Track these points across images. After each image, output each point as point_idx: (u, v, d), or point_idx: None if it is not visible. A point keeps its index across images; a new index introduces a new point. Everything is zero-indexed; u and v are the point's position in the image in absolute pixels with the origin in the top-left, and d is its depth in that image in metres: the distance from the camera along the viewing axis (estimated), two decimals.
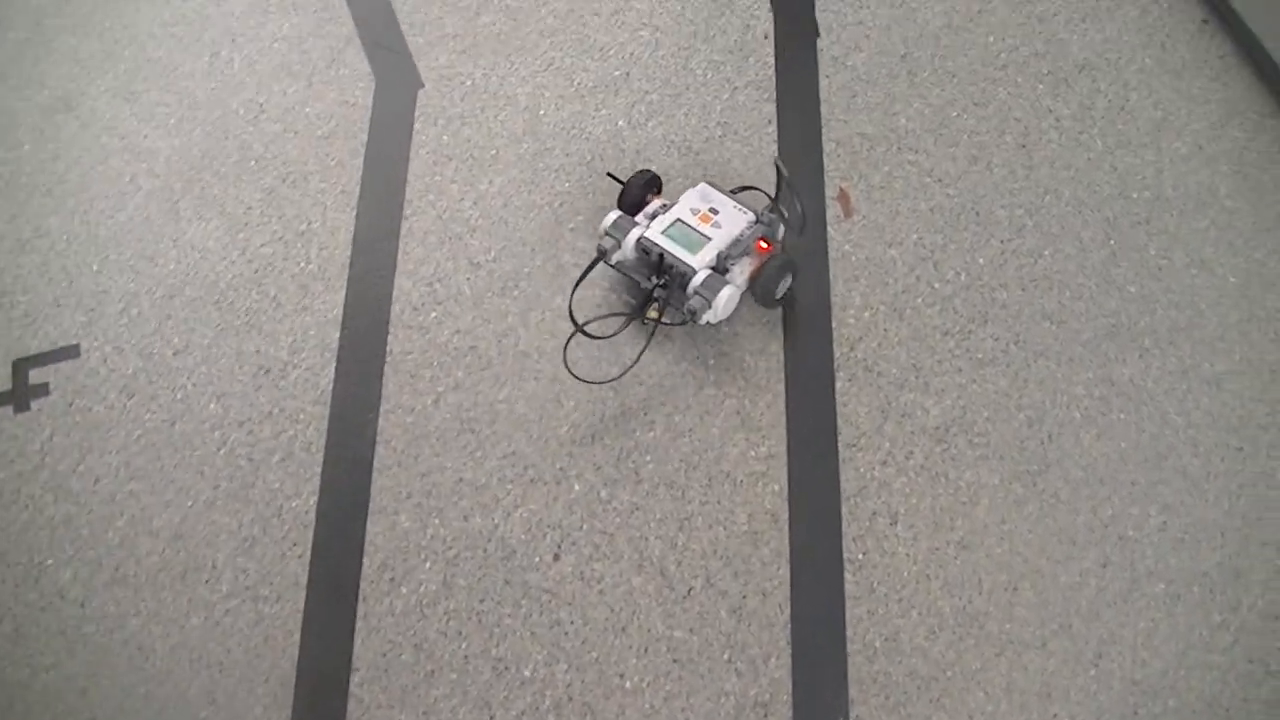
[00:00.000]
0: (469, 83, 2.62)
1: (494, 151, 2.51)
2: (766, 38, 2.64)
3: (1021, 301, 2.34)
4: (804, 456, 2.19)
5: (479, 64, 2.66)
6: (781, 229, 2.32)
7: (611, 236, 2.28)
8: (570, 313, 2.30)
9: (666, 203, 2.34)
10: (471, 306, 2.33)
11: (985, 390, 2.32)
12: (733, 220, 2.31)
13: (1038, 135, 2.48)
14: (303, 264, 2.37)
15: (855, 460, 2.20)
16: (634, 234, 2.26)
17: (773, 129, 2.52)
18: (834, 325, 2.30)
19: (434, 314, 2.32)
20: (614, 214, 2.28)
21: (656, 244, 2.25)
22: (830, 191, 2.45)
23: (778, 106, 2.55)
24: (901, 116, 2.51)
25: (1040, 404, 2.30)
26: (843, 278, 2.34)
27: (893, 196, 2.41)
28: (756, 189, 2.40)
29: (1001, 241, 2.38)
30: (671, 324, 2.33)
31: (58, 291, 2.39)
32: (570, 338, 2.31)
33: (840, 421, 2.22)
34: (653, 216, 2.31)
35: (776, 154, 2.41)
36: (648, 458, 2.18)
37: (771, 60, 2.61)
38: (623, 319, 2.31)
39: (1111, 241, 2.39)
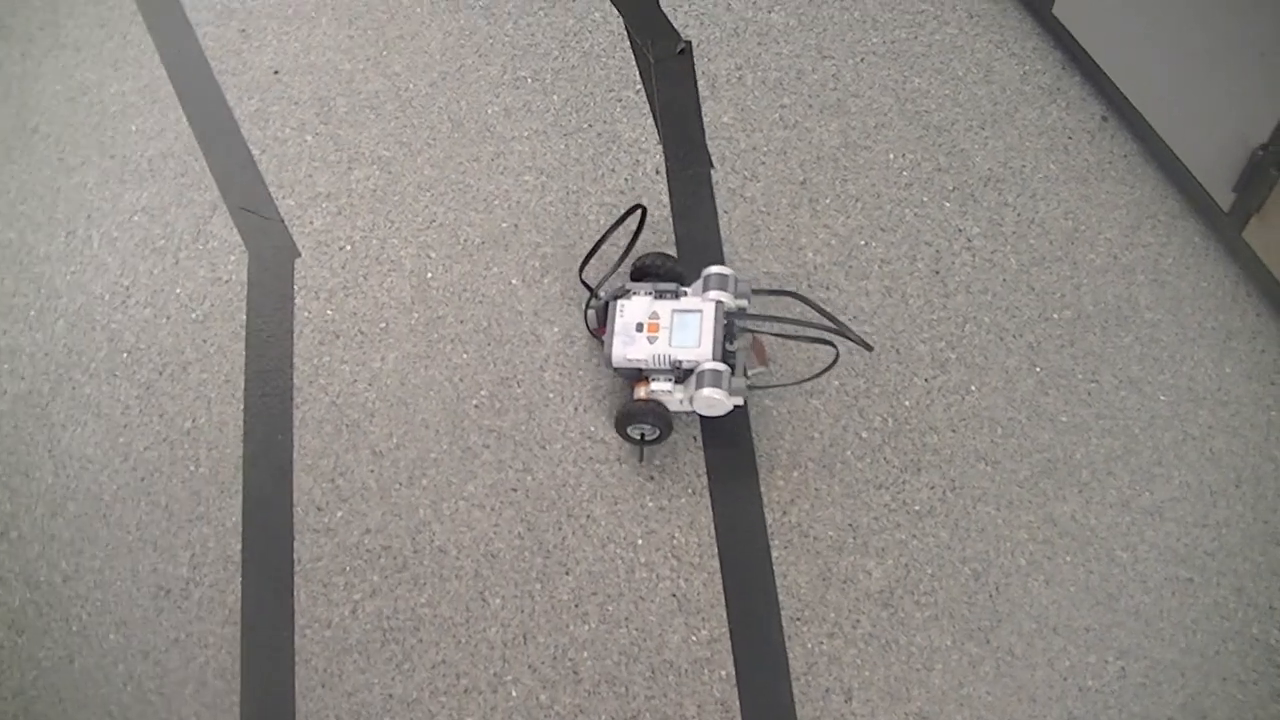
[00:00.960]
0: (348, 247, 2.60)
1: (383, 324, 2.49)
2: (658, 173, 2.66)
3: (953, 444, 2.38)
4: (748, 637, 2.22)
5: (357, 225, 2.64)
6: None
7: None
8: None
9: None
10: (379, 501, 2.32)
11: (926, 544, 2.35)
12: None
13: (950, 259, 2.52)
14: (192, 467, 2.34)
15: (801, 635, 2.21)
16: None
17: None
18: (763, 489, 2.33)
19: (340, 513, 2.31)
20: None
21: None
22: (741, 341, 2.42)
23: (677, 250, 2.55)
24: (808, 250, 2.54)
25: (984, 554, 2.34)
26: (765, 435, 2.36)
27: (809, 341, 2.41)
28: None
29: (925, 380, 2.42)
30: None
31: None
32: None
33: (781, 594, 2.24)
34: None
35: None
36: (585, 653, 2.18)
37: (666, 199, 2.64)
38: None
39: (1038, 369, 2.43)
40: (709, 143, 2.71)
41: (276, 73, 2.82)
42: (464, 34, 2.90)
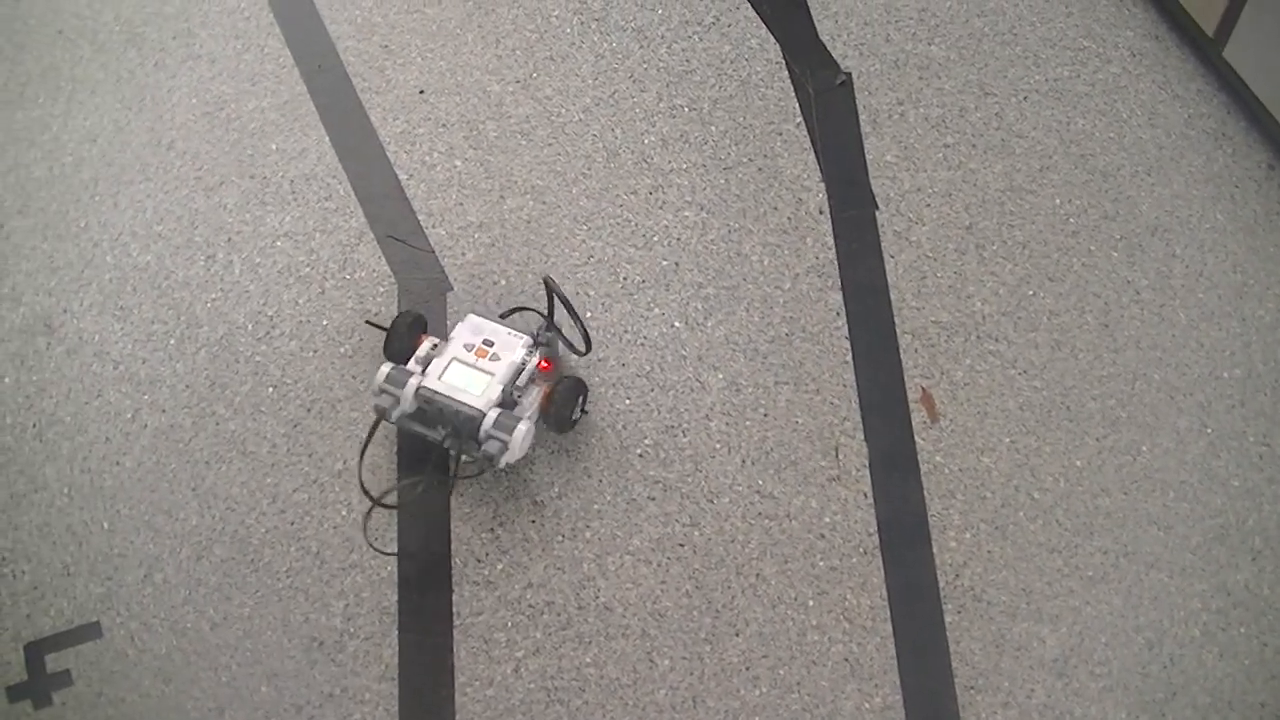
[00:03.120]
0: (503, 282, 2.58)
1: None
2: (821, 213, 2.64)
3: (1125, 507, 2.35)
4: (921, 705, 2.24)
5: (511, 259, 2.62)
6: (560, 345, 2.38)
7: (387, 393, 2.26)
8: (361, 484, 2.32)
9: (437, 342, 2.35)
10: (541, 554, 2.31)
11: (1100, 612, 2.33)
12: (509, 347, 2.32)
13: (1119, 312, 2.49)
14: (344, 511, 2.32)
15: (975, 704, 2.22)
16: (411, 384, 2.25)
17: (842, 323, 2.54)
18: (935, 550, 2.31)
19: (500, 565, 2.29)
20: (386, 367, 2.26)
21: (438, 393, 2.25)
22: (912, 393, 2.40)
23: (844, 295, 2.55)
24: (976, 299, 2.51)
25: (1158, 623, 2.32)
26: (938, 494, 2.34)
27: (978, 395, 2.40)
28: (528, 309, 2.50)
29: (1097, 439, 2.39)
30: (467, 476, 2.40)
31: (66, 557, 2.31)
32: (368, 512, 2.32)
33: (954, 660, 2.22)
34: (426, 362, 2.31)
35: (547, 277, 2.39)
36: (756, 719, 2.11)
37: (830, 240, 2.61)
38: (417, 482, 2.39)
39: (1208, 430, 2.41)
40: (872, 182, 2.66)
41: (422, 92, 2.79)
42: (617, 57, 2.86)
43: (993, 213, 2.64)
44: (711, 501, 2.34)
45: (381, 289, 2.57)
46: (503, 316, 2.44)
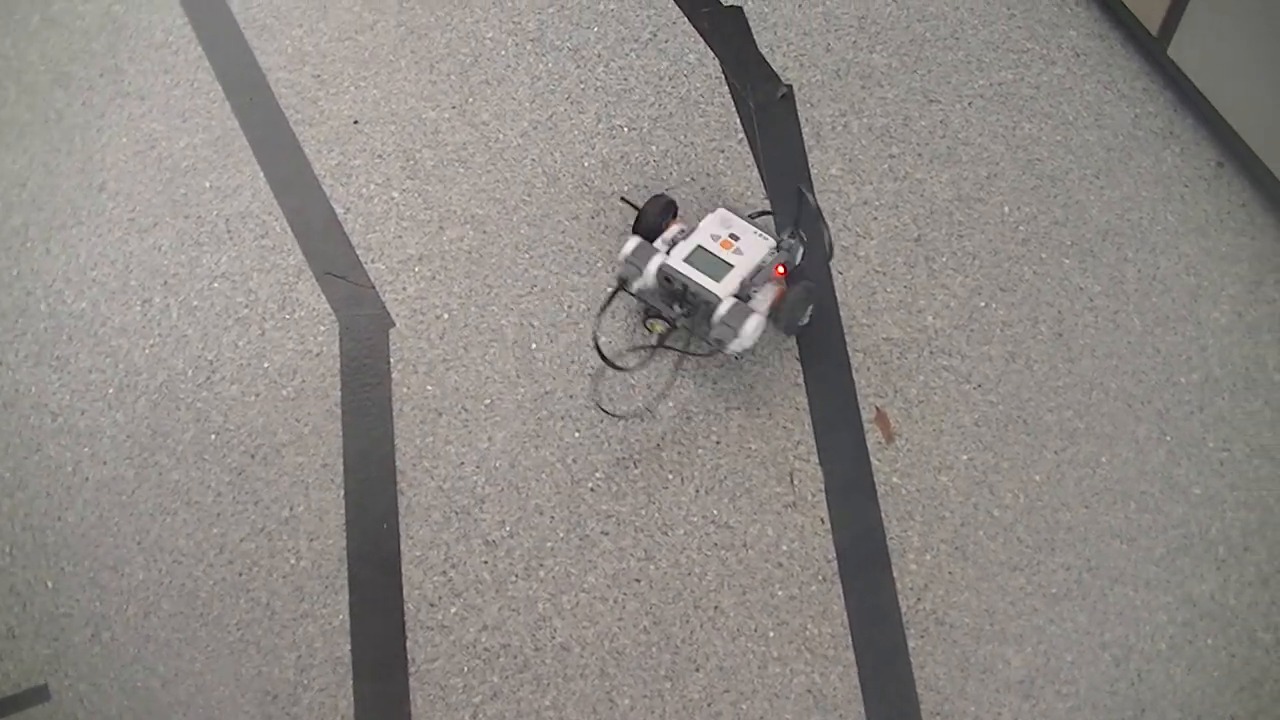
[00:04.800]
0: (446, 316, 2.53)
1: (488, 400, 2.43)
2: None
3: (1087, 521, 2.35)
4: None
5: (453, 291, 2.57)
6: (801, 253, 2.48)
7: (632, 264, 2.39)
8: (596, 346, 2.43)
9: (685, 228, 2.46)
10: (495, 595, 2.27)
11: (1065, 630, 2.33)
12: (754, 246, 2.43)
13: (1073, 320, 2.47)
14: (293, 560, 2.27)
15: None
16: (655, 261, 2.38)
17: (792, 343, 2.53)
18: (895, 574, 2.30)
19: (454, 609, 2.26)
20: (633, 241, 2.39)
21: (679, 272, 2.36)
22: (866, 414, 2.36)
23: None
24: (927, 313, 2.48)
25: (1124, 638, 2.31)
26: (896, 516, 2.32)
27: (933, 412, 2.38)
28: (773, 214, 2.50)
29: (1055, 452, 2.38)
30: (698, 354, 2.52)
31: (10, 620, 2.27)
32: (601, 373, 2.39)
33: (919, 686, 2.23)
34: (672, 243, 2.43)
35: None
36: None
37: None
38: (647, 350, 2.51)
39: (1168, 438, 2.39)
40: (818, 196, 2.61)
41: (356, 122, 2.74)
42: (553, 78, 2.82)
43: (941, 223, 2.60)
44: (666, 534, 2.30)
45: (322, 328, 2.53)
46: (751, 218, 2.52)
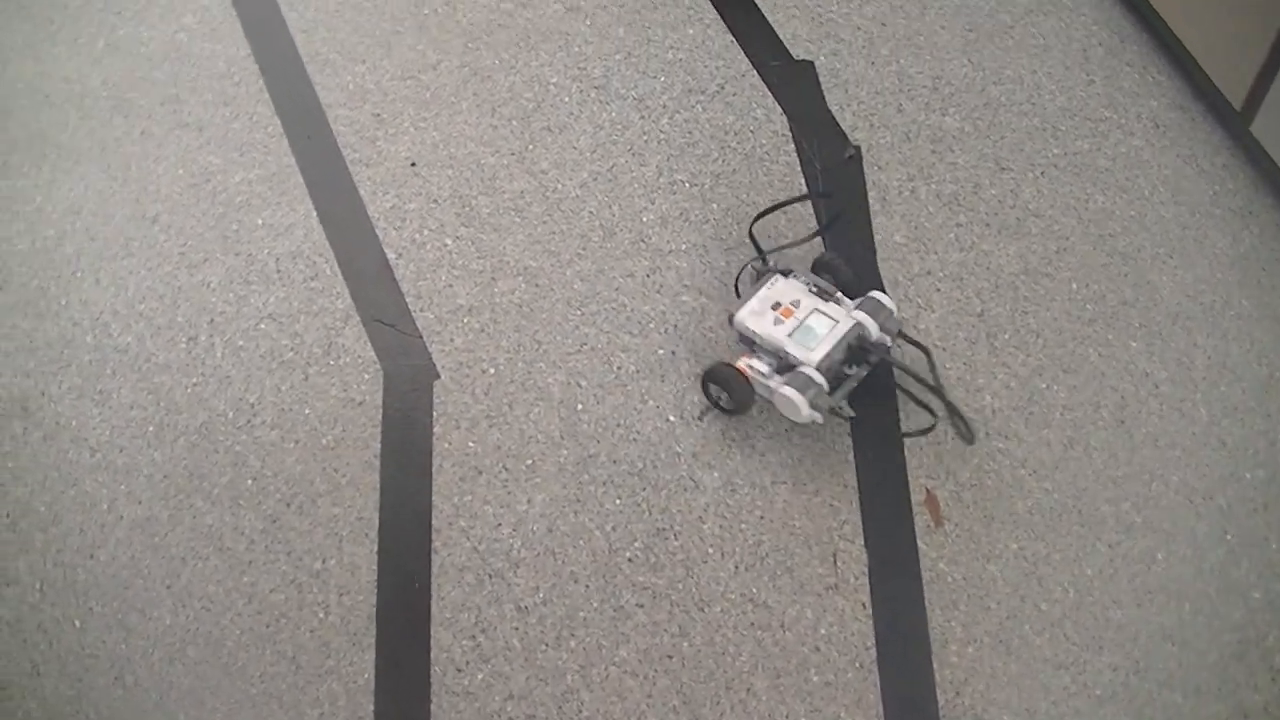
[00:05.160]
0: (492, 371, 2.50)
1: (529, 461, 2.38)
2: None
3: (1138, 620, 2.31)
4: None
5: (501, 346, 2.53)
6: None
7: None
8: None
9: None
10: (524, 664, 2.24)
11: None
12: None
13: (1136, 406, 2.40)
14: (321, 614, 2.25)
15: None
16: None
17: (846, 418, 2.38)
18: (935, 665, 2.26)
19: (480, 675, 2.24)
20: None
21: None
22: (916, 495, 2.31)
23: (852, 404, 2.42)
24: (986, 393, 2.42)
25: None
26: (940, 604, 2.27)
27: (985, 497, 2.31)
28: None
29: (1109, 545, 2.34)
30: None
31: (35, 656, 2.26)
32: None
33: None
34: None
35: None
36: None
37: None
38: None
39: (1229, 536, 2.33)
40: (880, 264, 2.59)
41: (414, 165, 2.70)
42: (616, 128, 2.77)
43: (1006, 298, 2.54)
44: (702, 610, 2.26)
45: (366, 376, 2.50)
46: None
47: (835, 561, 2.31)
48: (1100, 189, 2.72)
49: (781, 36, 2.90)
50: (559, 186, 2.73)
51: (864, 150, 2.78)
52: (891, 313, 2.45)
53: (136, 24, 3.04)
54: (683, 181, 2.73)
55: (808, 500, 2.37)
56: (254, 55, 2.92)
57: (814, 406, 2.36)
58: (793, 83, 2.86)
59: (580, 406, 2.48)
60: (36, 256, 2.67)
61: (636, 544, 2.34)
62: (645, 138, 2.80)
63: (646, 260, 2.65)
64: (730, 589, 2.29)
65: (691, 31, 2.92)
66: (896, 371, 2.51)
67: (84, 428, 2.49)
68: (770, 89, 2.85)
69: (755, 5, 2.94)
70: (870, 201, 2.71)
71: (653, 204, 2.70)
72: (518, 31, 2.92)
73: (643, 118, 2.82)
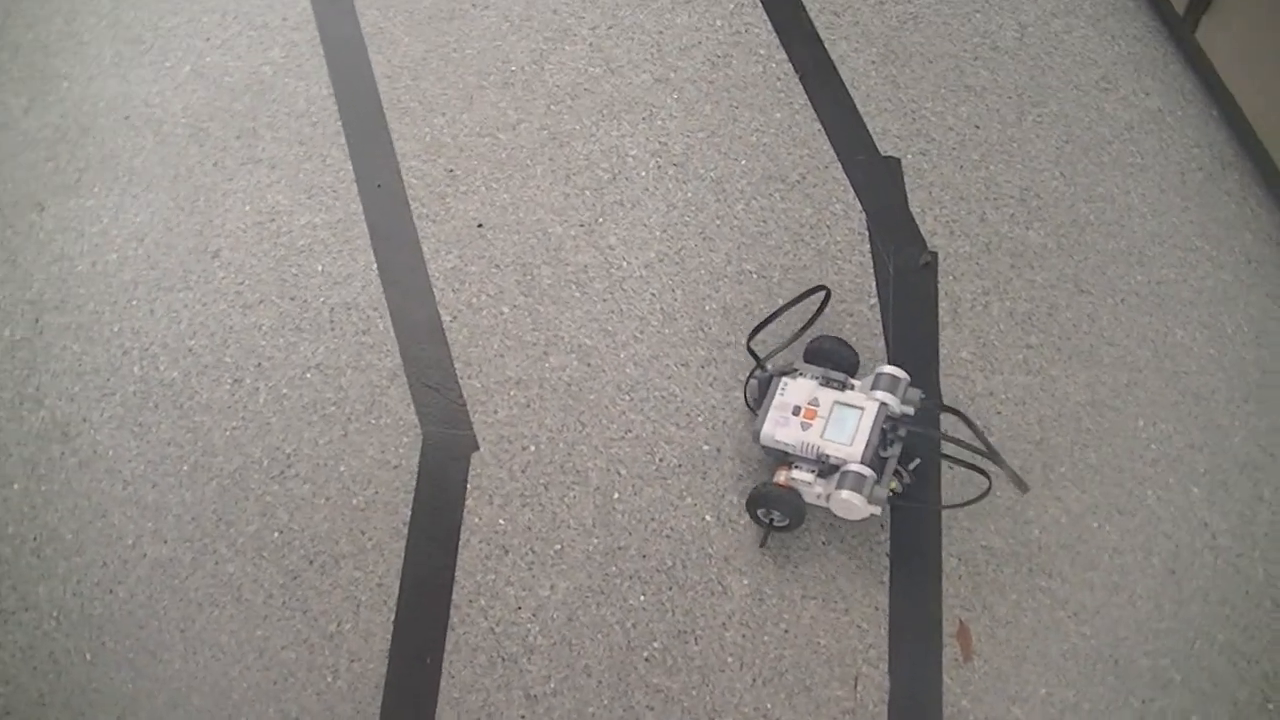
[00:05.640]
0: (532, 448, 2.47)
1: (558, 546, 2.36)
2: None
3: None
4: None
5: (545, 423, 2.51)
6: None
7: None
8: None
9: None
10: None
11: None
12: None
13: (1190, 558, 2.34)
14: (330, 678, 2.25)
15: None
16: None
17: (885, 538, 2.39)
18: None
19: None
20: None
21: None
22: (948, 626, 2.26)
23: (891, 507, 2.38)
24: (1035, 526, 2.37)
25: None
26: None
27: (1020, 635, 2.26)
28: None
29: (1143, 702, 2.31)
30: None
31: (43, 686, 2.28)
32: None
33: None
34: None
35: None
36: None
37: None
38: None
39: (1270, 705, 2.33)
40: (942, 380, 2.52)
41: (480, 226, 2.69)
42: (689, 209, 2.74)
43: (1068, 428, 2.49)
44: None
45: (405, 439, 2.49)
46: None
47: (856, 686, 2.27)
48: (1181, 323, 2.65)
49: (871, 130, 2.85)
50: (624, 264, 2.71)
51: (940, 258, 2.73)
52: (908, 382, 2.44)
53: (223, 53, 3.03)
54: (751, 272, 2.70)
55: (836, 619, 2.33)
56: (335, 95, 2.92)
57: (873, 501, 2.34)
58: (876, 179, 2.82)
59: (616, 495, 2.45)
60: (96, 280, 2.69)
61: (655, 643, 2.31)
62: (718, 222, 2.76)
63: (703, 350, 2.62)
64: (745, 702, 2.26)
65: (779, 115, 2.87)
66: (940, 442, 2.54)
67: (120, 459, 2.50)
68: (852, 184, 2.81)
69: (848, 94, 2.90)
70: (941, 312, 2.64)
71: (717, 292, 2.67)
72: (603, 98, 2.88)
73: (718, 200, 2.79)
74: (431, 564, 2.39)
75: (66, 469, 2.49)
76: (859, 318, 2.65)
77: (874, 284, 2.71)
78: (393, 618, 2.35)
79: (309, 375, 2.59)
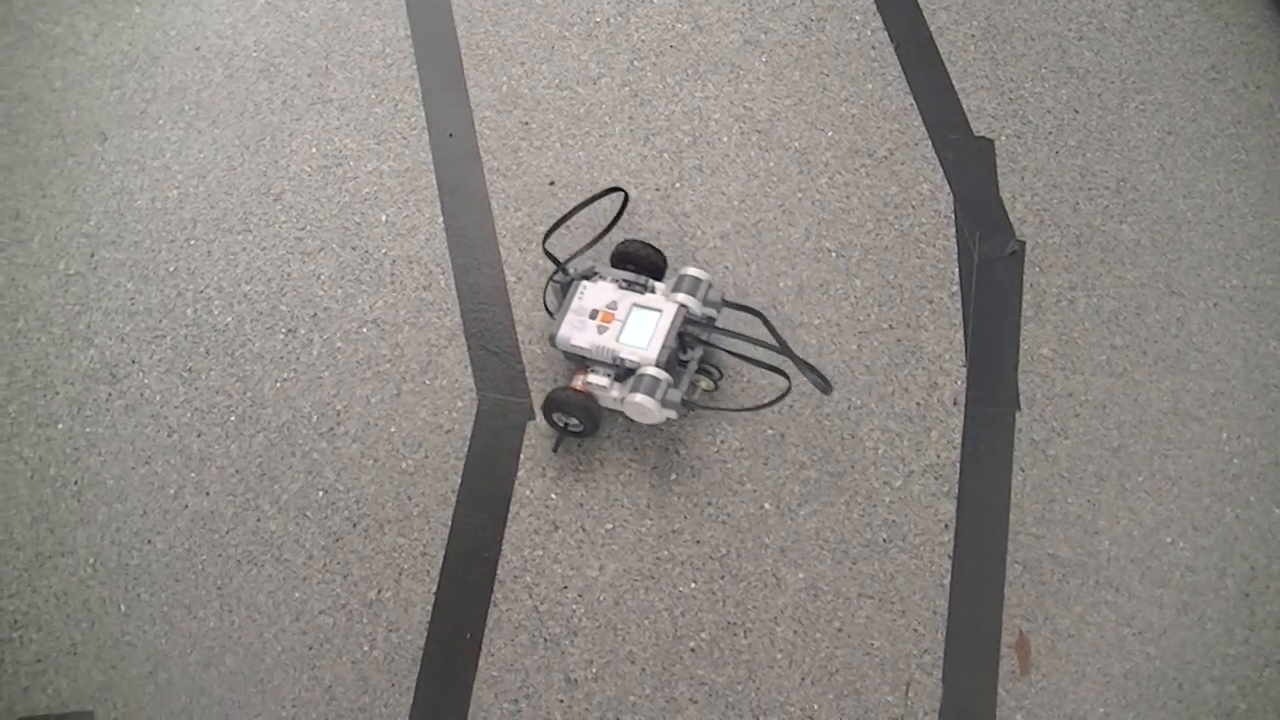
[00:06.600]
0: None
1: (610, 525, 2.33)
2: (956, 404, 2.44)
3: None
4: None
5: None
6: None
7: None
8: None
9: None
10: None
11: None
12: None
13: (1266, 582, 2.29)
14: (366, 647, 2.23)
15: None
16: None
17: (949, 539, 2.34)
18: None
19: None
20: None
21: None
22: (1008, 635, 2.22)
23: (958, 506, 2.34)
24: (1105, 537, 2.32)
25: None
26: None
27: (1081, 651, 2.23)
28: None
29: None
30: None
31: (76, 635, 2.28)
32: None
33: None
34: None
35: None
36: None
37: (958, 438, 2.42)
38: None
39: None
40: (1020, 377, 2.46)
41: (552, 184, 2.65)
42: (770, 179, 2.68)
43: (1148, 436, 2.44)
44: (757, 718, 2.17)
45: (460, 403, 2.47)
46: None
47: (907, 692, 2.25)
48: (1275, 333, 2.60)
49: (966, 107, 2.78)
50: (698, 233, 2.66)
51: (1027, 247, 2.66)
52: (710, 284, 2.44)
53: None
54: (829, 250, 2.65)
55: (892, 620, 2.29)
56: (412, 38, 2.88)
57: (666, 405, 2.36)
58: (967, 161, 2.75)
59: (674, 476, 2.42)
60: (155, 216, 2.67)
61: (704, 634, 2.28)
62: (799, 195, 2.71)
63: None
64: (791, 701, 2.24)
65: (870, 86, 2.80)
66: (737, 343, 2.53)
67: (167, 404, 2.49)
68: (942, 164, 2.75)
69: (944, 68, 2.83)
70: (1024, 305, 2.58)
71: (793, 269, 2.62)
72: (689, 56, 2.83)
73: (801, 173, 2.73)
74: (478, 535, 2.36)
75: (112, 411, 2.48)
76: (938, 305, 2.59)
77: (957, 271, 2.64)
78: (434, 589, 2.33)
79: (365, 330, 2.56)
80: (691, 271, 2.42)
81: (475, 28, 2.91)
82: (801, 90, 2.82)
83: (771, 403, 2.33)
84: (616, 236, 2.54)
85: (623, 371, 2.40)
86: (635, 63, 2.86)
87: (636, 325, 2.41)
